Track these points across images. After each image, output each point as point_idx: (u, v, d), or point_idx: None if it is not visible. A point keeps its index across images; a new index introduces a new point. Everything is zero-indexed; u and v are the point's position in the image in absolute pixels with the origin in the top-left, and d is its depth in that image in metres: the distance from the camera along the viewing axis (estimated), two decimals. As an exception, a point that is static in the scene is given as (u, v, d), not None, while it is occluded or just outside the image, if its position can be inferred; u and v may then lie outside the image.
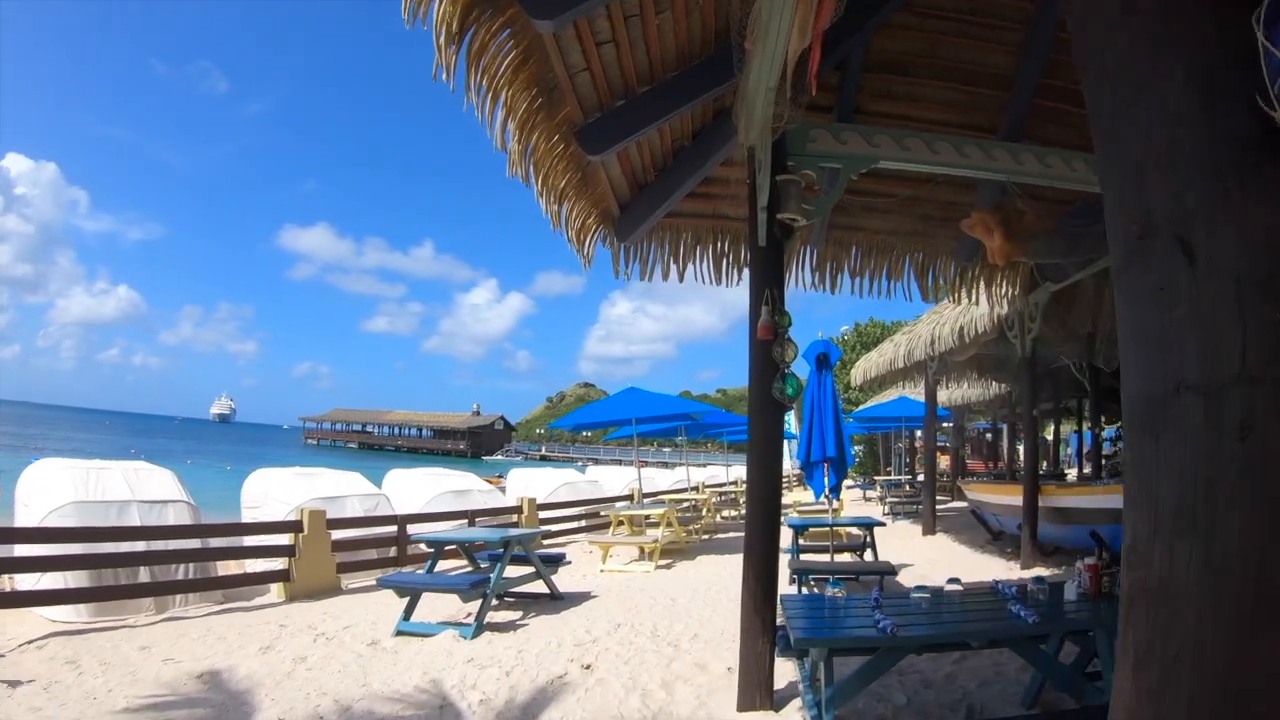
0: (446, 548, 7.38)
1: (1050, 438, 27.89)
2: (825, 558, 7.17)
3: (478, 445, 79.88)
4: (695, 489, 17.52)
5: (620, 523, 11.00)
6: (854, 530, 7.40)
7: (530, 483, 14.48)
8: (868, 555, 7.31)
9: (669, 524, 10.11)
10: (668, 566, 9.32)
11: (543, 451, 79.85)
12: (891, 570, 5.93)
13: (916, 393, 15.79)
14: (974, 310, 7.13)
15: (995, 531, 9.88)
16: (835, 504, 7.42)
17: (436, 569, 6.83)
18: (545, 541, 12.01)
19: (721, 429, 15.58)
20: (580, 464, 42.66)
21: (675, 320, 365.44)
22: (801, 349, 7.21)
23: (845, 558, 7.45)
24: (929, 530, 10.92)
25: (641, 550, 9.86)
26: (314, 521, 8.14)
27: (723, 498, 17.92)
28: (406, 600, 6.05)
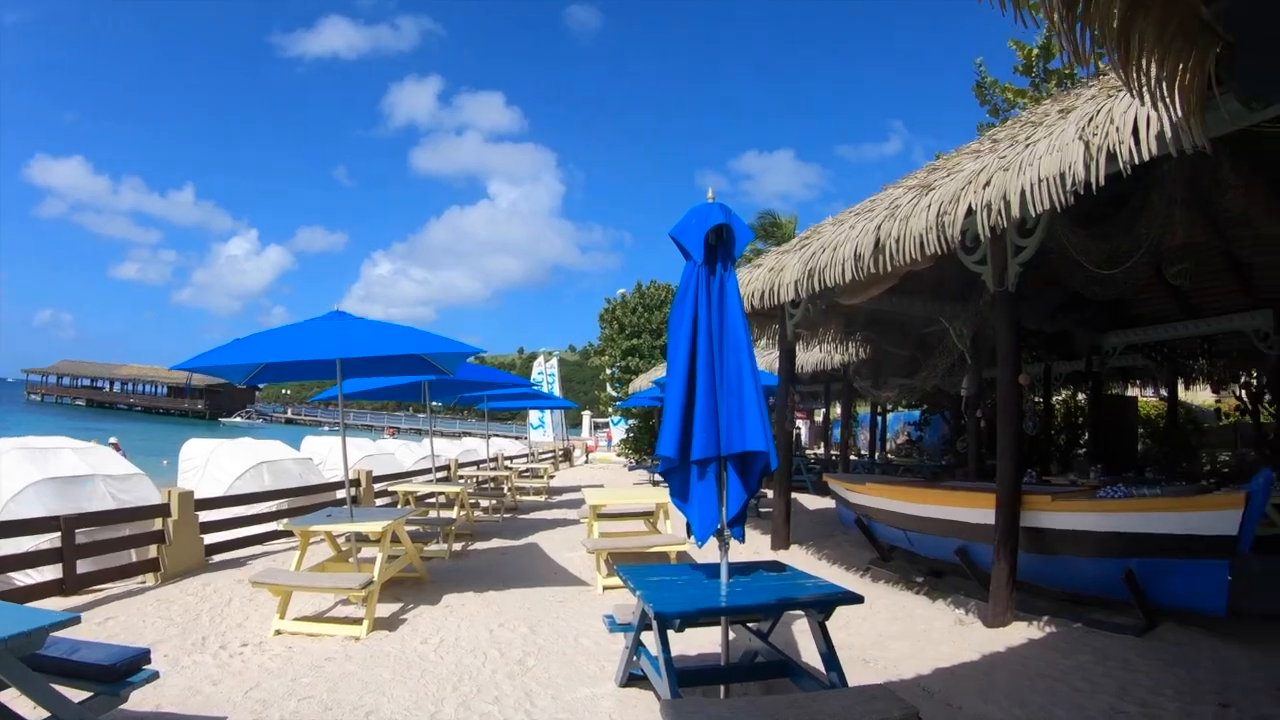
0: None
1: (820, 420, 26.54)
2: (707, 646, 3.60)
3: (217, 405, 71.15)
4: (446, 473, 13.23)
5: (315, 539, 6.71)
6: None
7: (213, 459, 9.48)
8: (779, 641, 3.80)
9: (394, 544, 6.05)
10: (391, 624, 5.38)
11: (288, 414, 71.51)
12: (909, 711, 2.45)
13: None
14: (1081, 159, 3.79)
15: (887, 549, 7.13)
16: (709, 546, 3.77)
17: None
18: (214, 559, 7.35)
19: (484, 390, 11.28)
20: (326, 428, 36.47)
21: (437, 285, 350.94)
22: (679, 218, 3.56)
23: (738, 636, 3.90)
24: (781, 542, 7.87)
25: (350, 596, 5.74)
26: None
27: (482, 486, 13.91)
28: None
